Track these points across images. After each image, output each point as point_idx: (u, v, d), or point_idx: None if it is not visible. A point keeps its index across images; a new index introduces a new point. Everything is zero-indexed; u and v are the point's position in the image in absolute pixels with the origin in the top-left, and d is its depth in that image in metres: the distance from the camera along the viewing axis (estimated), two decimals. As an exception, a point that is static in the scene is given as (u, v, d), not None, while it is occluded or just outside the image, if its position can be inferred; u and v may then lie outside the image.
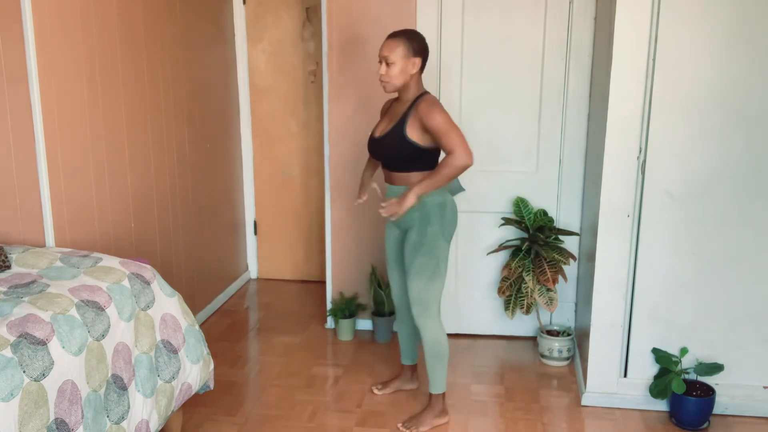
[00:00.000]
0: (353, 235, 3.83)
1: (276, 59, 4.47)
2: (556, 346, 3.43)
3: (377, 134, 2.78)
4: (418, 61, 2.63)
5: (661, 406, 2.98)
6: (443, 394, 2.88)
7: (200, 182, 3.90)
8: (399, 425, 2.86)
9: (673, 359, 2.87)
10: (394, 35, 2.63)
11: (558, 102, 3.48)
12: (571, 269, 3.55)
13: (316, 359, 3.54)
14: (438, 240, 2.72)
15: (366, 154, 3.68)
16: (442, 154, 2.91)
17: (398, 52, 2.60)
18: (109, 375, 2.09)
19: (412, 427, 2.83)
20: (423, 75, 2.83)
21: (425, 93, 2.69)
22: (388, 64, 2.61)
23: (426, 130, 2.59)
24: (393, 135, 2.67)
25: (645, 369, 2.97)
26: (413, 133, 2.62)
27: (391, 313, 3.74)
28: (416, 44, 2.62)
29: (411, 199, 2.57)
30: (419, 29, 3.48)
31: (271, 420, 2.92)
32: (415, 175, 2.69)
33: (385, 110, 2.89)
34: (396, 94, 2.85)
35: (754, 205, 2.75)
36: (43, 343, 1.84)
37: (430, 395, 2.88)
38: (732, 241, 2.79)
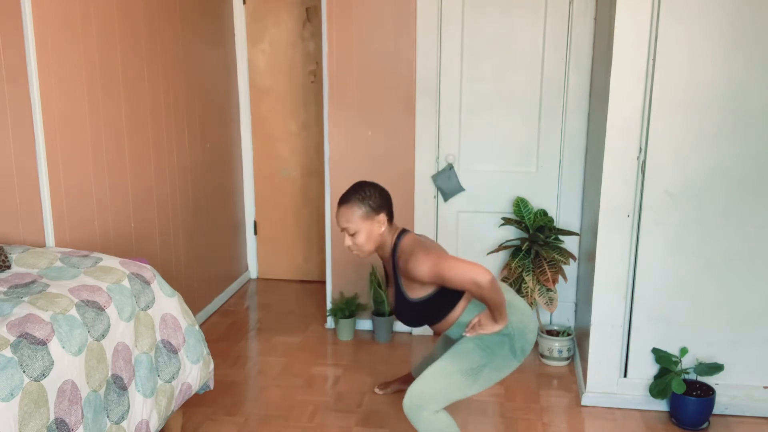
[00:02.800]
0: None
1: (276, 59, 4.47)
2: (556, 346, 3.43)
3: (392, 302, 2.50)
4: (382, 217, 2.32)
5: (661, 406, 2.98)
6: None
7: (200, 182, 3.90)
8: None
9: (673, 359, 2.87)
10: (344, 200, 2.31)
11: (558, 102, 3.48)
12: (571, 269, 3.55)
13: (316, 359, 3.54)
14: (503, 346, 2.37)
15: (370, 153, 3.68)
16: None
17: (356, 219, 2.28)
18: (109, 375, 2.09)
19: None
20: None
21: (397, 240, 2.36)
22: (351, 234, 2.30)
23: (423, 283, 2.30)
24: (403, 304, 2.40)
25: (645, 369, 2.97)
26: (415, 293, 2.34)
27: (391, 312, 3.74)
28: (372, 202, 2.29)
29: (501, 325, 2.30)
30: (419, 29, 3.48)
31: (271, 420, 2.92)
32: (451, 315, 2.40)
33: (383, 266, 2.63)
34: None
35: (754, 205, 2.75)
36: (43, 343, 1.84)
37: None
38: (732, 241, 2.79)
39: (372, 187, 2.33)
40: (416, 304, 2.36)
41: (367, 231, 2.30)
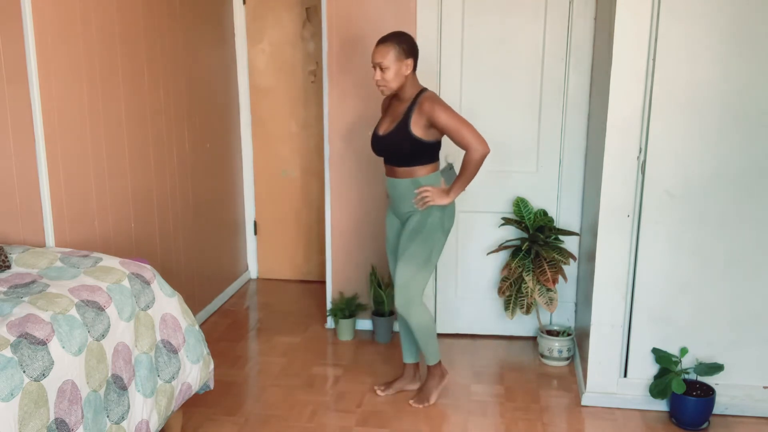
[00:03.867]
0: (353, 235, 3.84)
1: (276, 59, 4.47)
2: (556, 346, 3.43)
3: (381, 132, 2.85)
4: (410, 62, 2.72)
5: (661, 406, 2.98)
6: (439, 361, 3.05)
7: (200, 182, 3.90)
8: (410, 401, 3.05)
9: (673, 359, 2.87)
10: (384, 40, 2.72)
11: (558, 102, 3.48)
12: (571, 269, 3.55)
13: (316, 359, 3.54)
14: (436, 231, 2.83)
15: (370, 153, 3.68)
16: (447, 156, 2.93)
17: (390, 57, 2.69)
18: (109, 375, 2.09)
19: (423, 402, 3.02)
20: (419, 73, 2.88)
21: (424, 90, 2.78)
22: (382, 69, 2.70)
23: (430, 126, 2.71)
24: (398, 132, 2.75)
25: (645, 369, 2.97)
26: (417, 130, 2.72)
27: (391, 313, 3.74)
28: (406, 46, 2.71)
29: (450, 199, 2.79)
30: (419, 29, 3.48)
31: (271, 420, 2.92)
32: (418, 169, 2.80)
33: (385, 108, 2.96)
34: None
35: (754, 205, 2.75)
36: (43, 343, 1.84)
37: (429, 367, 3.06)
38: (732, 241, 2.79)
39: (407, 36, 2.74)
40: (411, 138, 2.73)
41: (396, 69, 2.70)
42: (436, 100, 2.72)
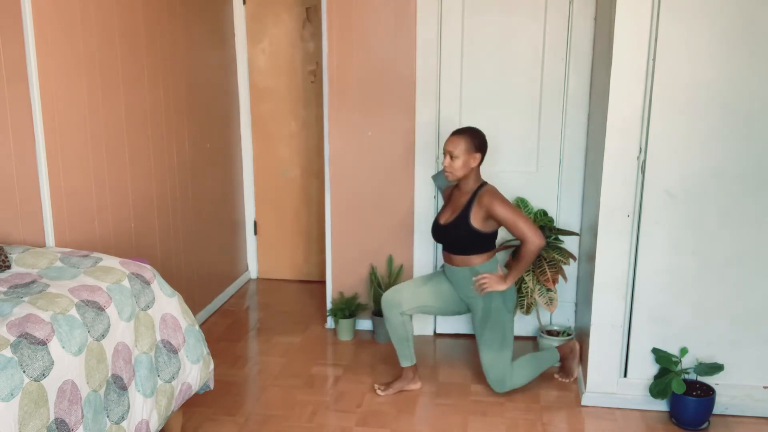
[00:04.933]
0: (353, 235, 3.83)
1: (276, 59, 4.47)
2: (556, 346, 3.42)
3: (442, 222, 3.03)
4: (478, 156, 2.91)
5: (661, 406, 2.98)
6: (557, 348, 3.27)
7: (200, 182, 3.90)
8: (556, 375, 3.27)
9: (673, 359, 2.87)
10: (459, 132, 2.91)
11: (558, 102, 3.48)
12: (571, 269, 3.55)
13: (316, 359, 3.54)
14: (501, 313, 3.00)
15: (370, 154, 3.68)
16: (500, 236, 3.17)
17: (461, 148, 2.87)
18: (109, 375, 2.09)
19: (567, 375, 3.25)
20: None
21: (485, 184, 2.97)
22: (452, 158, 2.88)
23: (488, 218, 2.89)
24: (458, 224, 2.93)
25: (645, 369, 2.97)
26: (476, 222, 2.90)
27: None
28: (477, 141, 2.90)
29: (507, 285, 2.93)
30: (419, 29, 3.48)
31: (271, 420, 2.92)
32: (474, 258, 2.97)
33: (447, 196, 3.16)
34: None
35: (754, 204, 2.75)
36: (43, 343, 1.84)
37: (559, 358, 3.25)
38: (732, 240, 2.79)
39: (480, 134, 2.93)
40: (470, 230, 2.91)
41: (465, 160, 2.89)
42: (495, 194, 2.89)
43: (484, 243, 2.96)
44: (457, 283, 3.05)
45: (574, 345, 3.22)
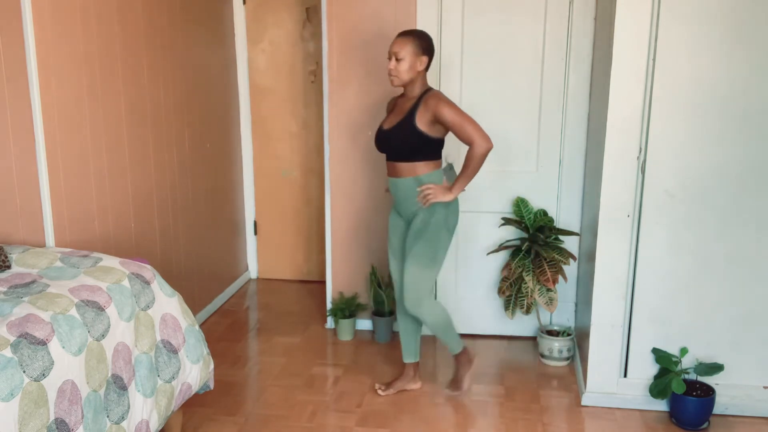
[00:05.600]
0: (353, 235, 3.84)
1: (276, 59, 4.47)
2: (556, 346, 3.43)
3: (385, 126, 2.89)
4: (425, 59, 2.77)
5: (661, 406, 2.98)
6: (464, 348, 3.08)
7: (200, 182, 3.90)
8: (445, 390, 3.14)
9: (673, 359, 2.87)
10: (405, 33, 2.78)
11: (558, 102, 3.48)
12: (571, 269, 3.55)
13: (316, 359, 3.54)
14: (441, 230, 2.85)
15: (370, 154, 3.68)
16: (448, 143, 2.99)
17: (408, 49, 2.74)
18: (109, 375, 2.09)
19: (457, 389, 3.09)
20: (427, 75, 2.88)
21: (431, 89, 2.83)
22: (397, 60, 2.74)
23: (435, 122, 2.74)
24: (403, 126, 2.79)
25: (645, 369, 2.97)
26: (422, 125, 2.76)
27: (391, 312, 3.74)
28: (425, 43, 2.77)
29: (452, 195, 2.80)
30: (419, 29, 3.48)
31: (271, 420, 2.92)
32: (420, 165, 2.83)
33: (391, 107, 3.00)
34: (401, 90, 3.00)
35: (754, 205, 2.75)
36: (43, 343, 1.84)
37: (455, 357, 3.09)
38: (732, 241, 2.79)
39: (427, 36, 2.80)
40: (416, 133, 2.76)
41: (410, 63, 2.75)
42: (441, 96, 2.76)
43: (430, 149, 2.81)
44: (401, 197, 2.90)
45: (473, 357, 3.08)
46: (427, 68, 2.81)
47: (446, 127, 2.76)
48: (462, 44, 3.48)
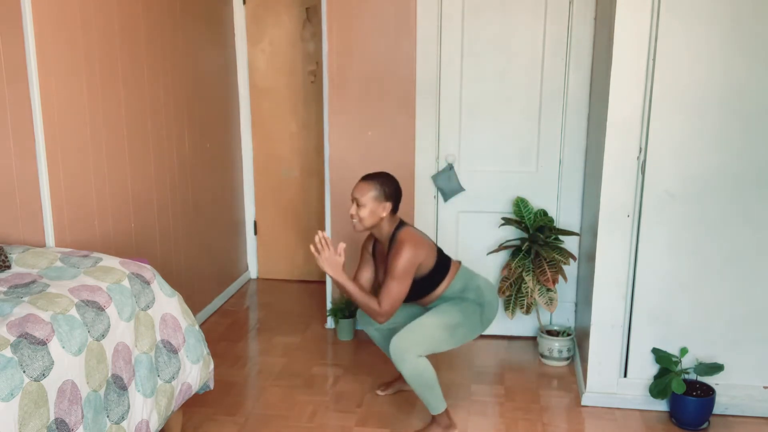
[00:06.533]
0: (353, 235, 3.83)
1: (276, 59, 4.47)
2: (556, 346, 3.43)
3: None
4: (388, 205, 2.69)
5: (661, 406, 2.98)
6: (446, 410, 2.77)
7: (200, 182, 3.90)
8: None
9: (673, 359, 2.87)
10: (368, 178, 2.70)
11: (558, 102, 3.48)
12: (571, 269, 3.55)
13: (316, 359, 3.54)
14: (475, 310, 2.77)
15: (370, 154, 3.68)
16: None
17: (369, 196, 2.66)
18: (109, 375, 2.09)
19: None
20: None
21: (398, 228, 2.73)
22: (358, 205, 2.67)
23: (419, 263, 2.66)
24: None
25: (645, 369, 2.97)
26: None
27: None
28: (388, 189, 2.68)
29: (336, 277, 2.65)
30: (419, 29, 3.48)
31: (271, 420, 2.92)
32: (434, 292, 2.78)
33: (371, 250, 2.91)
34: (367, 233, 2.90)
35: (754, 205, 2.75)
36: (43, 343, 1.84)
37: (433, 417, 2.79)
38: (732, 241, 2.79)
39: (392, 181, 2.72)
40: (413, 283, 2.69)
41: (372, 209, 2.67)
42: (404, 242, 2.63)
43: (434, 279, 2.75)
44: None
45: (453, 427, 2.78)
46: (393, 212, 2.71)
47: (385, 269, 2.66)
48: (462, 44, 3.48)
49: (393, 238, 2.71)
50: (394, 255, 2.64)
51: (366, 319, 2.98)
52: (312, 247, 2.65)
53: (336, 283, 2.70)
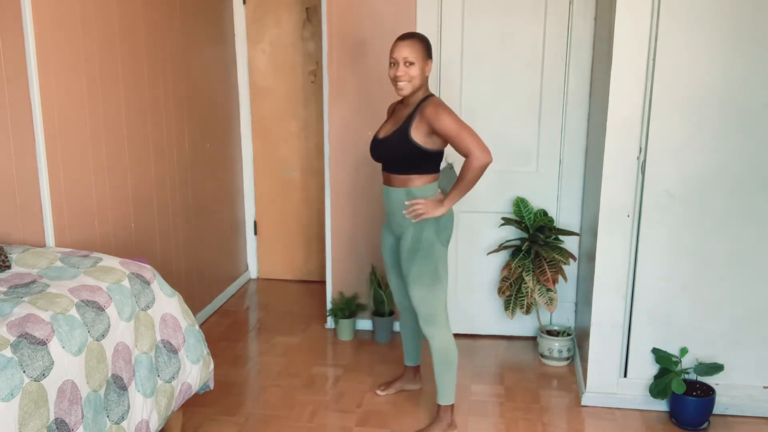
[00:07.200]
0: (353, 235, 3.83)
1: (276, 59, 4.47)
2: (556, 346, 3.43)
3: (381, 135, 2.72)
4: (430, 63, 2.63)
5: (661, 406, 2.98)
6: (452, 406, 2.80)
7: (200, 182, 3.90)
8: None
9: (673, 359, 2.87)
10: (410, 36, 2.61)
11: (558, 102, 3.48)
12: (571, 269, 3.55)
13: (316, 359, 3.54)
14: (434, 245, 2.67)
15: (368, 155, 3.68)
16: (447, 156, 2.88)
17: (418, 53, 2.57)
18: (109, 375, 2.09)
19: None
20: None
21: (430, 95, 2.65)
22: (407, 64, 2.55)
23: (432, 133, 2.57)
24: (397, 137, 2.61)
25: (645, 369, 2.97)
26: (418, 136, 2.57)
27: (391, 313, 3.74)
28: (430, 47, 2.64)
29: (444, 209, 2.62)
30: (419, 29, 3.48)
31: (271, 420, 2.92)
32: (415, 178, 2.65)
33: (391, 112, 2.85)
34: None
35: (754, 204, 2.75)
36: (43, 343, 1.84)
37: (438, 407, 2.81)
38: (732, 241, 2.79)
39: (428, 40, 2.65)
40: (410, 145, 2.58)
41: (422, 67, 2.58)
42: (439, 104, 2.57)
43: (424, 162, 2.63)
44: (392, 208, 2.73)
45: (454, 427, 2.81)
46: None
47: (442, 137, 2.58)
48: (462, 44, 3.48)
49: (422, 103, 2.60)
50: (438, 119, 2.51)
51: (403, 318, 3.04)
52: (412, 216, 2.64)
53: (455, 202, 2.64)
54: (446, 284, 2.74)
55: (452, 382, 2.77)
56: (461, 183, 2.57)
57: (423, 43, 2.59)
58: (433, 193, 2.69)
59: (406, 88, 2.59)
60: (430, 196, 2.67)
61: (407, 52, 2.55)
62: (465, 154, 2.53)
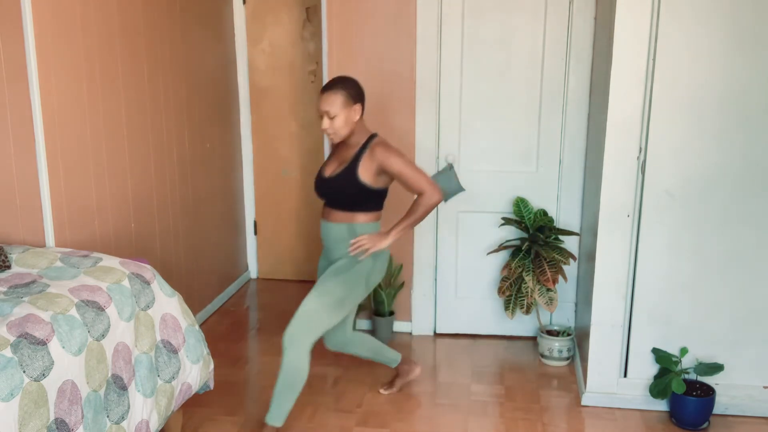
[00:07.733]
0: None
1: (276, 59, 4.47)
2: (556, 346, 3.43)
3: (326, 174, 2.72)
4: (358, 107, 2.63)
5: (661, 406, 2.98)
6: (277, 429, 2.68)
7: (200, 182, 3.90)
8: None
9: (673, 359, 2.87)
10: (329, 87, 2.61)
11: (558, 102, 3.48)
12: (571, 269, 3.55)
13: (316, 359, 3.52)
14: (360, 279, 2.69)
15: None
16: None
17: (338, 104, 2.58)
18: (109, 375, 2.09)
19: None
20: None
21: (374, 135, 2.69)
22: (330, 118, 2.59)
23: (381, 172, 2.61)
24: (344, 176, 2.63)
25: (645, 369, 2.97)
26: (366, 176, 2.61)
27: (391, 312, 3.74)
28: (353, 91, 2.62)
29: (389, 240, 2.66)
30: (419, 29, 3.48)
31: (271, 420, 2.91)
32: (359, 215, 2.69)
33: (334, 149, 2.83)
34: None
35: (754, 205, 2.75)
36: (43, 343, 1.84)
37: (264, 425, 2.67)
38: (732, 241, 2.79)
39: (353, 82, 2.64)
40: (358, 185, 2.62)
41: (345, 116, 2.60)
42: (388, 146, 2.63)
43: (371, 200, 2.67)
44: (332, 243, 2.73)
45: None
46: (362, 114, 2.66)
47: (393, 178, 2.63)
48: (462, 44, 3.48)
49: (367, 144, 2.63)
50: (389, 161, 2.58)
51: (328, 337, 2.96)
52: (357, 253, 2.65)
53: (400, 235, 2.68)
54: (337, 320, 2.70)
55: (288, 405, 2.66)
56: (411, 217, 2.65)
57: (344, 91, 2.59)
58: (376, 230, 2.73)
59: (335, 138, 2.65)
60: (372, 231, 2.71)
61: (327, 106, 2.59)
62: (418, 192, 2.62)
